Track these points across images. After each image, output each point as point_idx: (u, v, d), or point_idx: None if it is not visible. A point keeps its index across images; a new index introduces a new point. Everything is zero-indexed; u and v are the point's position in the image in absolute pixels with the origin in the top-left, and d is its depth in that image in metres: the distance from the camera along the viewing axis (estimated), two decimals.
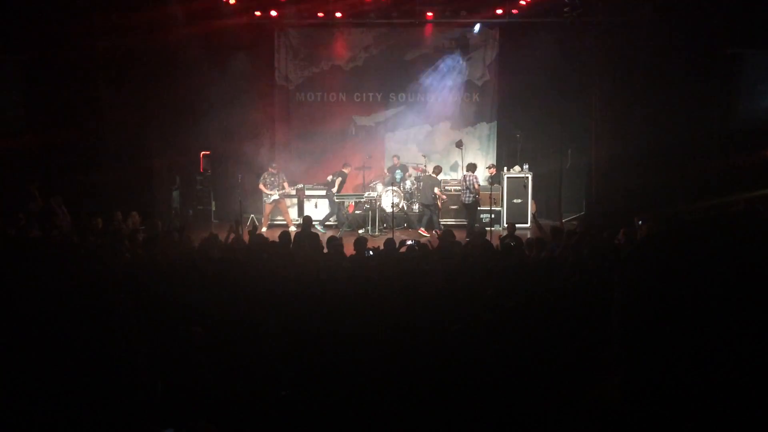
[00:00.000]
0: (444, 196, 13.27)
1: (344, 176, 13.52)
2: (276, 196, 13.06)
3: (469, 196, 12.63)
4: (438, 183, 13.07)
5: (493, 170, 13.68)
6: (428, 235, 12.00)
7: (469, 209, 12.71)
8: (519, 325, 3.98)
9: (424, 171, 14.00)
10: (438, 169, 13.30)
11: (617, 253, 6.64)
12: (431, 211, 12.95)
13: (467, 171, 12.83)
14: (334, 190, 13.34)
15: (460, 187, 13.13)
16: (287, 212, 13.35)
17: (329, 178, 13.61)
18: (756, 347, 0.79)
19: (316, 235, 9.27)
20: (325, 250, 8.33)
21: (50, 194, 10.79)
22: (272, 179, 13.07)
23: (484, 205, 12.74)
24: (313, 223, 10.98)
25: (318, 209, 13.63)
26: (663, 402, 0.80)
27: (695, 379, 0.78)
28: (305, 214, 11.70)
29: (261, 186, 13.08)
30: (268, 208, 13.22)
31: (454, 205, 13.77)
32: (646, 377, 0.83)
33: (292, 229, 12.42)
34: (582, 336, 3.32)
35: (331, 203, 13.45)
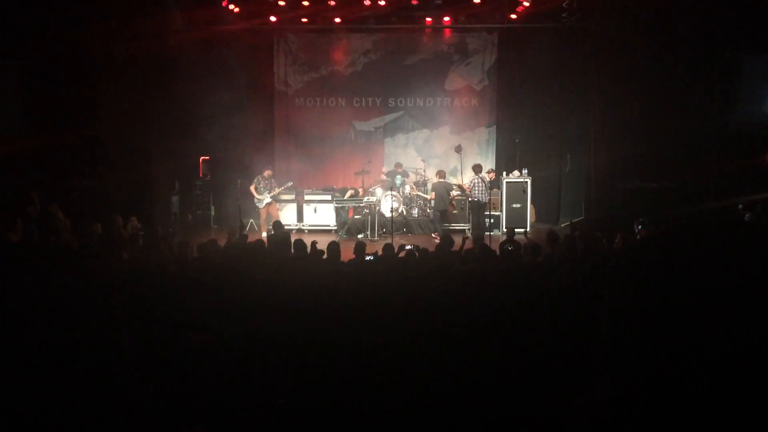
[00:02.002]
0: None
1: (356, 192, 13.75)
2: (268, 200, 13.07)
3: (487, 196, 12.61)
4: (451, 187, 13.46)
5: (493, 175, 13.69)
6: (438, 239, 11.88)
7: (484, 209, 12.67)
8: (514, 329, 3.98)
9: (424, 175, 14.02)
10: (442, 173, 13.34)
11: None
12: (440, 215, 13.19)
13: (482, 172, 12.81)
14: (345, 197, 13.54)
15: (477, 189, 12.93)
16: (278, 216, 13.35)
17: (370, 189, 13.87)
18: (747, 352, 0.79)
19: (287, 237, 9.32)
20: (325, 256, 8.32)
21: (49, 199, 10.78)
22: (264, 183, 13.11)
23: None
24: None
25: (317, 214, 13.63)
26: (650, 406, 0.80)
27: (682, 384, 0.78)
28: (275, 220, 11.57)
29: (252, 189, 13.10)
30: (263, 213, 13.24)
31: (453, 209, 13.83)
32: (634, 381, 0.83)
33: None
34: (577, 341, 3.32)
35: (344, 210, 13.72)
